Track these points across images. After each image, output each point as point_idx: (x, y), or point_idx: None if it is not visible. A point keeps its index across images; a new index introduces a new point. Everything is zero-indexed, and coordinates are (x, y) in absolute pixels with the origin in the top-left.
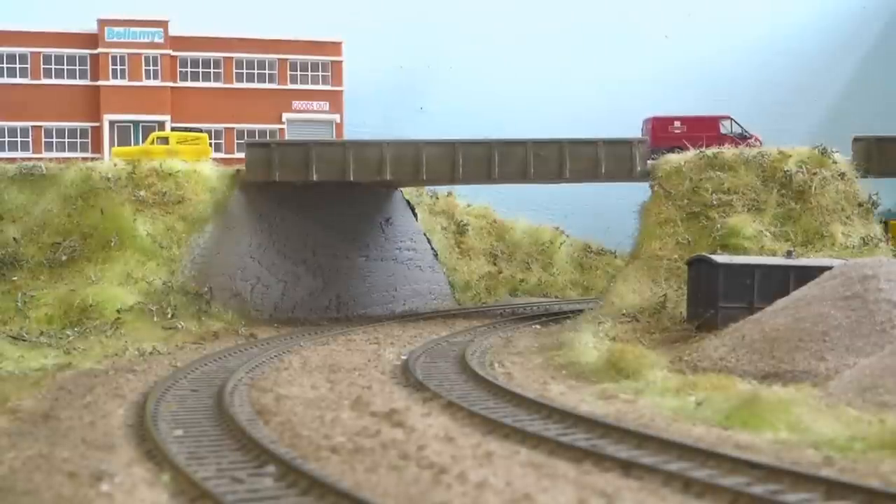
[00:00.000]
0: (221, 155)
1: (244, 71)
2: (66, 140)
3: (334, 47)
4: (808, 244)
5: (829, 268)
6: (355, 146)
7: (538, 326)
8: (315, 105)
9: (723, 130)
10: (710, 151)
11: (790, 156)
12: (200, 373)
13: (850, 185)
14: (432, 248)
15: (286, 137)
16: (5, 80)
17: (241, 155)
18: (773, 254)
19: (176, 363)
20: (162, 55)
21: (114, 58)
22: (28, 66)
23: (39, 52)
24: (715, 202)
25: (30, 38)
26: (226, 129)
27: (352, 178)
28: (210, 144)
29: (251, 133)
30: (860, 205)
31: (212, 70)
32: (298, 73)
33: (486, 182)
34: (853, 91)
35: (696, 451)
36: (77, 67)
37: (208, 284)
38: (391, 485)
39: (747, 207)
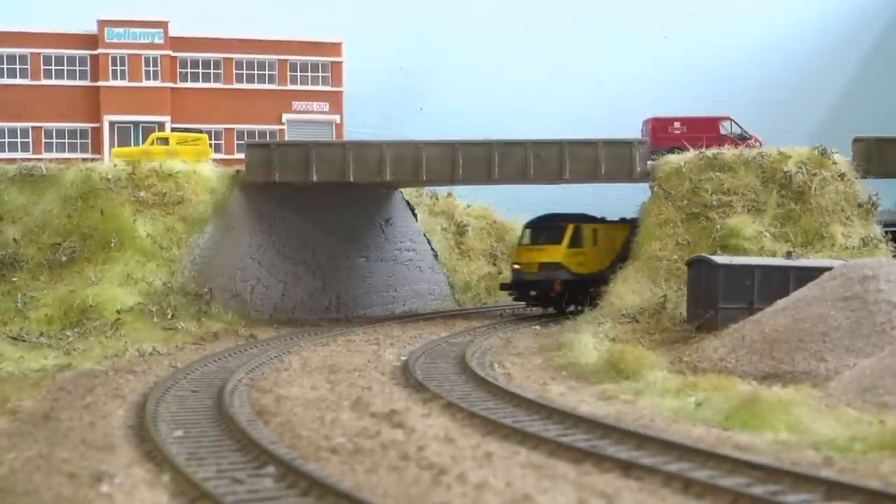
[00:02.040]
0: (221, 156)
1: (244, 72)
2: (66, 141)
3: (334, 48)
4: (808, 245)
5: (829, 268)
6: (355, 147)
7: (538, 327)
8: (315, 106)
9: (722, 131)
10: (709, 152)
11: (790, 156)
12: (200, 373)
13: (849, 186)
14: (432, 249)
15: (286, 138)
16: (5, 80)
17: (241, 155)
18: (773, 254)
19: (176, 364)
20: (162, 56)
21: (114, 58)
22: (28, 66)
23: (39, 53)
24: (715, 203)
25: (30, 39)
26: (226, 129)
27: (352, 179)
28: (210, 145)
29: (251, 134)
30: (860, 205)
31: (212, 71)
32: (298, 73)
33: (486, 183)
34: (853, 91)
35: (696, 452)
36: (77, 68)
37: (208, 285)
38: (391, 485)
39: (747, 208)
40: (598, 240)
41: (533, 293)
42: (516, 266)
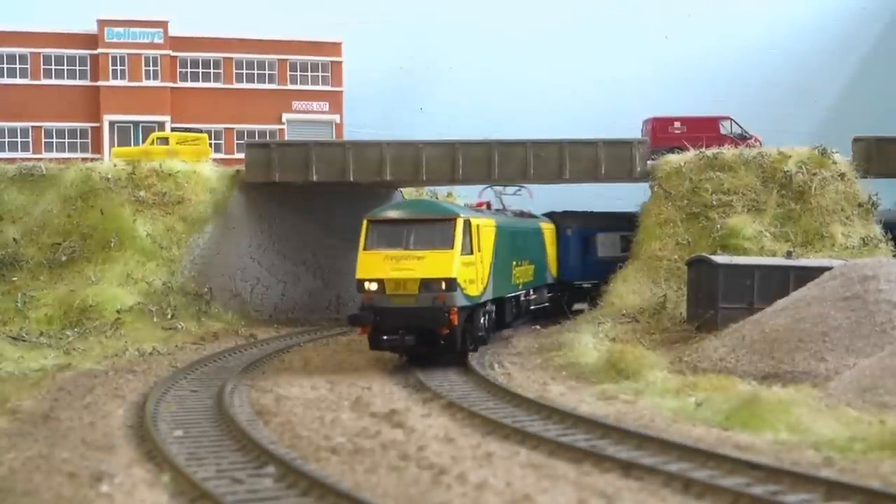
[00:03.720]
0: (221, 155)
1: (244, 71)
2: (66, 140)
3: (334, 47)
4: (808, 245)
5: (829, 268)
6: (355, 147)
7: (538, 327)
8: (315, 105)
9: (722, 131)
10: (709, 152)
11: (790, 156)
12: (200, 373)
13: (849, 186)
14: None
15: (286, 138)
16: (5, 80)
17: (241, 155)
18: (773, 254)
19: (176, 364)
20: (162, 55)
21: (114, 58)
22: (28, 66)
23: (39, 53)
24: (715, 203)
25: (30, 39)
26: (226, 129)
27: (352, 179)
28: (210, 145)
29: (251, 133)
30: (860, 205)
31: (212, 70)
32: (298, 73)
33: (486, 183)
34: (853, 91)
35: (696, 452)
36: (77, 68)
37: (208, 285)
38: (391, 485)
39: (747, 208)
40: (481, 244)
41: (405, 333)
42: (370, 285)
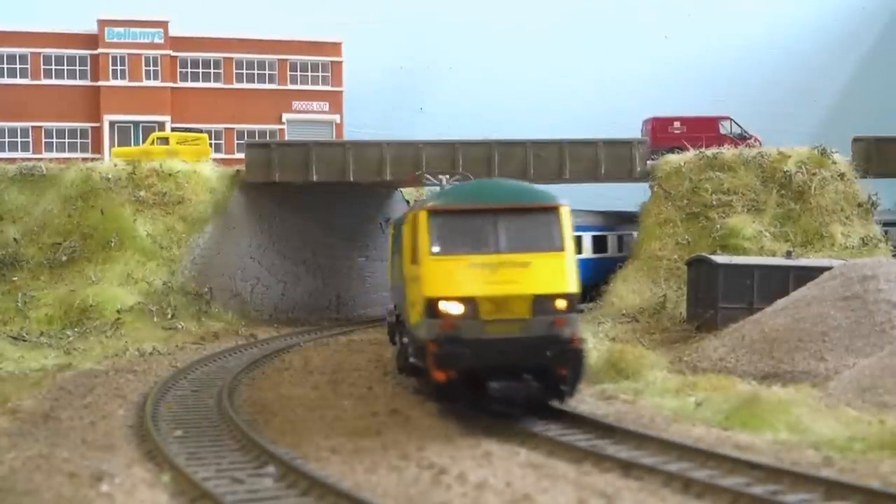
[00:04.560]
0: (221, 155)
1: (244, 71)
2: (67, 140)
3: (334, 48)
4: (808, 244)
5: (829, 268)
6: (355, 146)
7: None
8: (315, 105)
9: (722, 131)
10: (709, 152)
11: (790, 156)
12: (201, 373)
13: (849, 186)
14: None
15: (286, 138)
16: (5, 80)
17: (241, 155)
18: (773, 254)
19: (176, 363)
20: (162, 55)
21: (114, 58)
22: (28, 66)
23: (39, 53)
24: (714, 202)
25: (30, 39)
26: (226, 129)
27: (352, 179)
28: (210, 145)
29: (251, 133)
30: (859, 205)
31: (212, 70)
32: (298, 73)
33: None
34: (853, 91)
35: (695, 452)
36: (77, 68)
37: (208, 285)
38: (391, 485)
39: (747, 208)
40: None
41: (521, 375)
42: (451, 307)
